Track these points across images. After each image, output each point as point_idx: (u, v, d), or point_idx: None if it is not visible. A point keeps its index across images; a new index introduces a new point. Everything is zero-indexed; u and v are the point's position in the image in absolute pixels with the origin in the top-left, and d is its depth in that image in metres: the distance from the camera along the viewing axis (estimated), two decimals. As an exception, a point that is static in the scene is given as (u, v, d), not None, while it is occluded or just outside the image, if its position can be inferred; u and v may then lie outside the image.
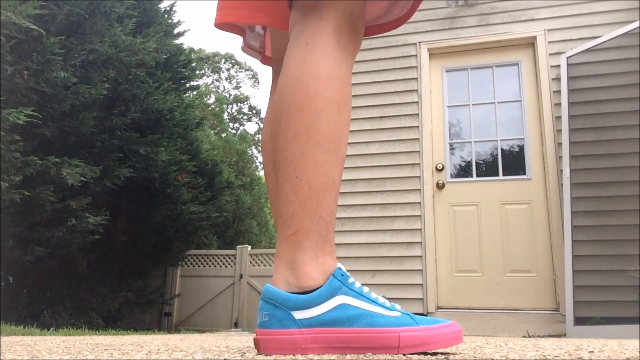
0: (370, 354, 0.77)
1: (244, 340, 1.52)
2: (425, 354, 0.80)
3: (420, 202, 4.15)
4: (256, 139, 24.75)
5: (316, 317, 0.78)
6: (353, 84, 4.52)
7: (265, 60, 1.23)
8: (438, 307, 3.97)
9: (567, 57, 3.96)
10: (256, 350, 0.80)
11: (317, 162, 0.81)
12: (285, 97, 0.82)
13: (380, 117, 4.43)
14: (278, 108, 0.83)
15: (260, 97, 27.27)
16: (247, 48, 1.22)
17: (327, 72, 0.81)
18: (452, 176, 4.28)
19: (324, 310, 0.78)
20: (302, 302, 0.78)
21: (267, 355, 0.78)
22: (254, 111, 25.27)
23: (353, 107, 4.50)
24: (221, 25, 1.09)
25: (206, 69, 23.01)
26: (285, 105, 0.81)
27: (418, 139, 4.30)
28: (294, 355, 0.77)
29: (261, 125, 26.25)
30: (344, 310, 0.78)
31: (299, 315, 0.78)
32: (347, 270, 4.53)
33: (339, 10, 0.84)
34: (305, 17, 0.84)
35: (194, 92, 9.76)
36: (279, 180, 0.83)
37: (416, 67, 4.47)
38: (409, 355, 0.77)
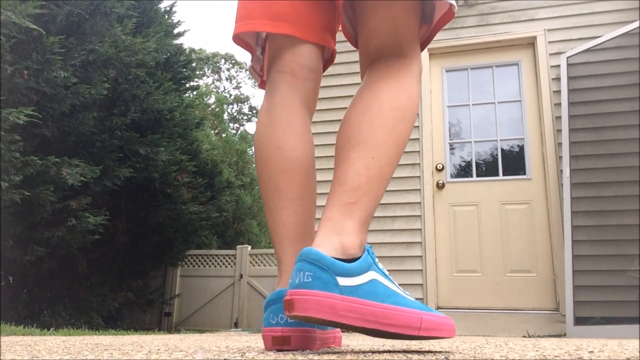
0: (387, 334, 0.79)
1: (244, 340, 1.52)
2: (426, 351, 0.80)
3: (420, 202, 4.15)
4: (256, 139, 24.71)
5: (356, 287, 0.79)
6: (353, 84, 4.52)
7: (262, 85, 1.21)
8: (438, 307, 3.97)
9: (567, 57, 3.96)
10: (287, 311, 0.77)
11: (391, 156, 0.90)
12: (385, 100, 0.91)
13: (380, 117, 4.43)
14: (370, 100, 0.91)
15: (260, 97, 27.29)
16: (252, 69, 1.23)
17: (416, 92, 0.95)
18: (452, 176, 4.28)
19: (362, 282, 0.80)
20: (347, 269, 0.79)
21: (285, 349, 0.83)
22: (254, 111, 25.27)
23: (353, 107, 4.51)
24: (238, 37, 1.12)
25: (206, 69, 23.02)
26: (379, 101, 0.91)
27: (418, 139, 4.30)
28: (293, 355, 0.77)
29: (261, 125, 26.30)
30: (375, 286, 0.80)
31: (343, 282, 0.78)
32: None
33: (419, 51, 0.99)
34: (403, 59, 0.96)
35: (194, 92, 9.76)
36: (350, 155, 0.88)
37: (416, 67, 4.47)
38: (409, 355, 0.77)
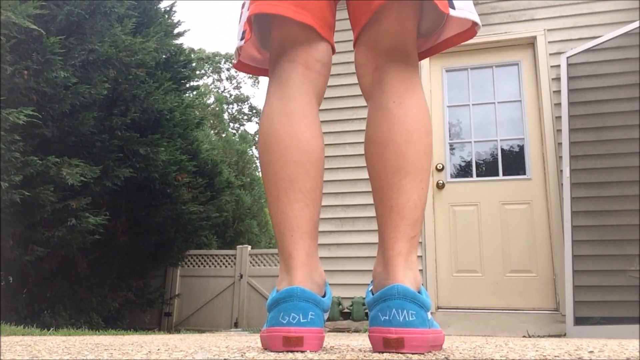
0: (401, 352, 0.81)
1: (244, 340, 1.52)
2: (425, 353, 0.80)
3: (420, 202, 4.15)
4: (256, 139, 24.75)
5: (430, 320, 0.89)
6: (353, 84, 4.52)
7: (239, 66, 1.18)
8: (438, 307, 3.97)
9: (567, 57, 3.96)
10: (393, 348, 0.80)
11: (429, 183, 0.97)
12: (416, 117, 0.96)
13: (380, 117, 4.43)
14: (407, 122, 0.95)
15: (260, 97, 27.27)
16: (237, 49, 1.16)
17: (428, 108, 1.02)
18: (452, 176, 4.28)
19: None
20: (428, 304, 0.86)
21: (386, 352, 0.82)
22: (254, 111, 25.26)
23: (354, 107, 4.51)
24: (256, 15, 1.07)
25: (206, 69, 23.01)
26: (417, 125, 0.96)
27: (418, 139, 4.30)
28: (293, 355, 0.77)
29: (261, 125, 26.26)
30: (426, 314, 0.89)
31: (428, 316, 0.86)
32: (348, 270, 4.50)
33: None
34: (413, 68, 1.00)
35: (194, 92, 9.76)
36: (406, 184, 0.92)
37: (416, 67, 4.47)
38: (410, 355, 0.77)
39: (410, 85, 0.97)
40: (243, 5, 1.12)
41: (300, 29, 1.02)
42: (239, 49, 1.12)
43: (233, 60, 1.23)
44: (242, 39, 1.07)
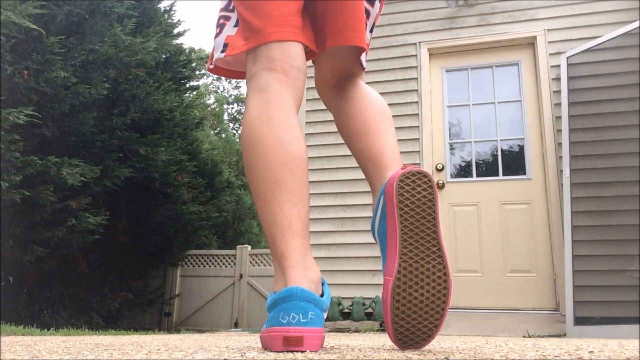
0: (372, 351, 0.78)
1: (244, 340, 1.52)
2: (426, 351, 0.80)
3: (420, 202, 4.15)
4: (256, 139, 24.69)
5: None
6: (353, 84, 4.52)
7: (215, 70, 1.23)
8: (438, 307, 3.97)
9: (567, 57, 3.96)
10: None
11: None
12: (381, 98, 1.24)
13: (380, 117, 4.43)
14: (377, 97, 1.23)
15: (260, 97, 27.23)
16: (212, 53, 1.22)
17: None
18: (452, 176, 4.28)
19: None
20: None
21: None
22: (254, 111, 25.20)
23: (353, 107, 4.51)
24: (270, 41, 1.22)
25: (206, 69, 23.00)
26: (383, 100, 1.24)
27: (418, 139, 4.30)
28: (293, 355, 0.77)
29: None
30: None
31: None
32: (348, 270, 4.50)
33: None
34: (361, 79, 1.29)
35: (194, 92, 9.76)
36: (387, 128, 1.16)
37: (416, 67, 4.47)
38: (409, 355, 0.77)
39: (363, 86, 1.24)
40: (222, 10, 1.17)
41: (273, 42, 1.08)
42: (216, 59, 1.16)
43: (207, 65, 1.24)
44: (222, 52, 1.12)
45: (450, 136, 4.39)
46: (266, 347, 0.88)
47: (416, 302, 0.88)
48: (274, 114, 1.02)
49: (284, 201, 0.97)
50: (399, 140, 4.42)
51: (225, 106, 22.17)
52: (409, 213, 0.91)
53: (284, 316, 0.84)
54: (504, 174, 4.16)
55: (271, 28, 1.07)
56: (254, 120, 1.03)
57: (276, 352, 0.82)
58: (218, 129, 13.17)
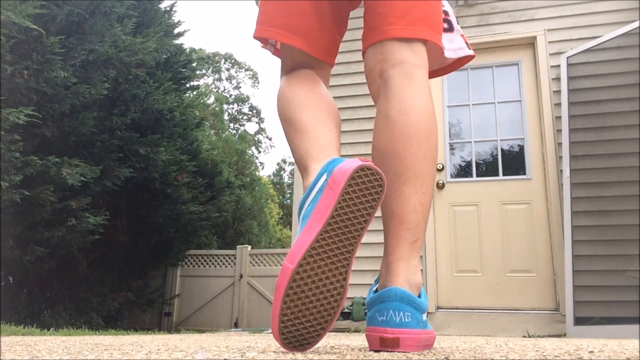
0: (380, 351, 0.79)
1: (244, 340, 1.52)
2: (426, 351, 0.80)
3: (420, 202, 4.15)
4: (256, 139, 24.76)
5: (425, 321, 0.92)
6: (354, 84, 4.52)
7: (277, 53, 1.28)
8: (438, 307, 3.97)
9: (567, 57, 3.96)
10: (386, 347, 0.83)
11: (432, 185, 0.99)
12: (416, 123, 0.98)
13: (380, 117, 4.43)
14: (407, 129, 0.97)
15: (260, 97, 27.28)
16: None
17: (434, 112, 1.03)
18: (452, 176, 4.28)
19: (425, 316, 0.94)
20: (425, 306, 0.91)
21: (373, 351, 0.84)
22: (254, 111, 25.27)
23: (354, 107, 4.51)
24: (258, 38, 1.24)
25: (206, 69, 23.02)
26: (417, 130, 0.97)
27: (418, 139, 4.30)
28: (293, 355, 0.77)
29: (262, 126, 26.17)
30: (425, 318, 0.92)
31: (424, 317, 0.90)
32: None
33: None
34: (421, 61, 1.04)
35: (194, 92, 9.76)
36: (405, 190, 0.95)
37: (416, 67, 4.46)
38: (409, 355, 0.77)
39: (414, 89, 1.00)
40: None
41: (296, 50, 1.14)
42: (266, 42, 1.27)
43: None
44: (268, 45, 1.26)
45: (450, 136, 4.39)
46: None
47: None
48: (306, 84, 1.12)
49: (320, 129, 1.02)
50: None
51: (225, 106, 22.16)
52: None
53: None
54: (504, 174, 4.16)
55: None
56: (285, 90, 1.12)
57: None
58: (218, 129, 13.17)
